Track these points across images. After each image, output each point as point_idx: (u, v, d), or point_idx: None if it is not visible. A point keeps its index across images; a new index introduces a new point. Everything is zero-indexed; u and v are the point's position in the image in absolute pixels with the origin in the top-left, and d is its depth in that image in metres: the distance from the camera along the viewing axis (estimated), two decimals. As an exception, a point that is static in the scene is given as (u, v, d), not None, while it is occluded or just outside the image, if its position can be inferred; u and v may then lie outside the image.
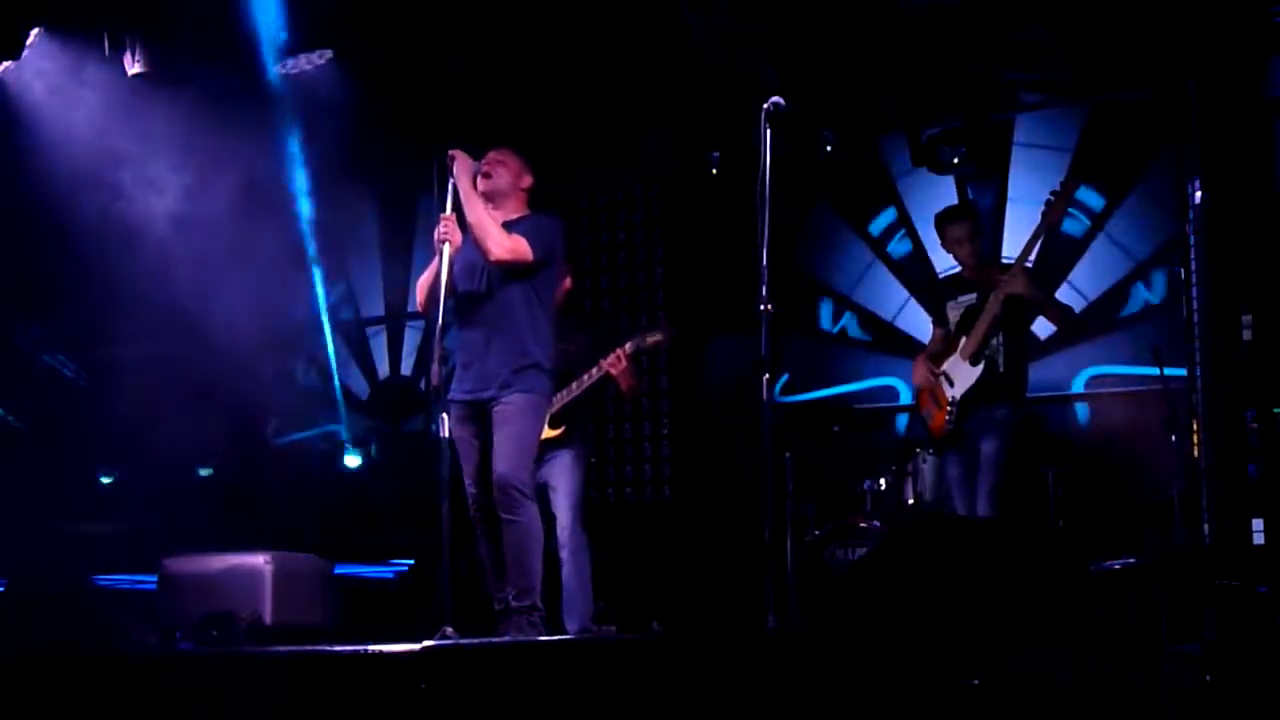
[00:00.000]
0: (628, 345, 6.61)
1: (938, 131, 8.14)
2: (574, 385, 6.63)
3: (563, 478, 6.61)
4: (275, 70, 8.05)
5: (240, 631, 6.42)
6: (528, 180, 5.78)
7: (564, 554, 6.52)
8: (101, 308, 9.28)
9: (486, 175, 5.66)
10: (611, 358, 6.58)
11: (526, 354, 5.53)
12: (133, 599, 7.42)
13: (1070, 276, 8.23)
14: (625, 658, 4.47)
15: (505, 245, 5.49)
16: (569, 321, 6.82)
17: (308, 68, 8.10)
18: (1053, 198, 6.52)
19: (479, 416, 5.54)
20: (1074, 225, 8.22)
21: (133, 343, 9.39)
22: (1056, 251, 8.19)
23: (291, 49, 7.95)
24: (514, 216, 5.70)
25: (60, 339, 9.87)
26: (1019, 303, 6.50)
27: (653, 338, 6.66)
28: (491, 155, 5.71)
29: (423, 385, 9.55)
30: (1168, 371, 6.72)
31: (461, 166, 5.56)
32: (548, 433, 6.58)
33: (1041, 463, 6.89)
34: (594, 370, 6.62)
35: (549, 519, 6.60)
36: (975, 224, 6.85)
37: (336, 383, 9.80)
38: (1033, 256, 6.62)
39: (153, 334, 9.04)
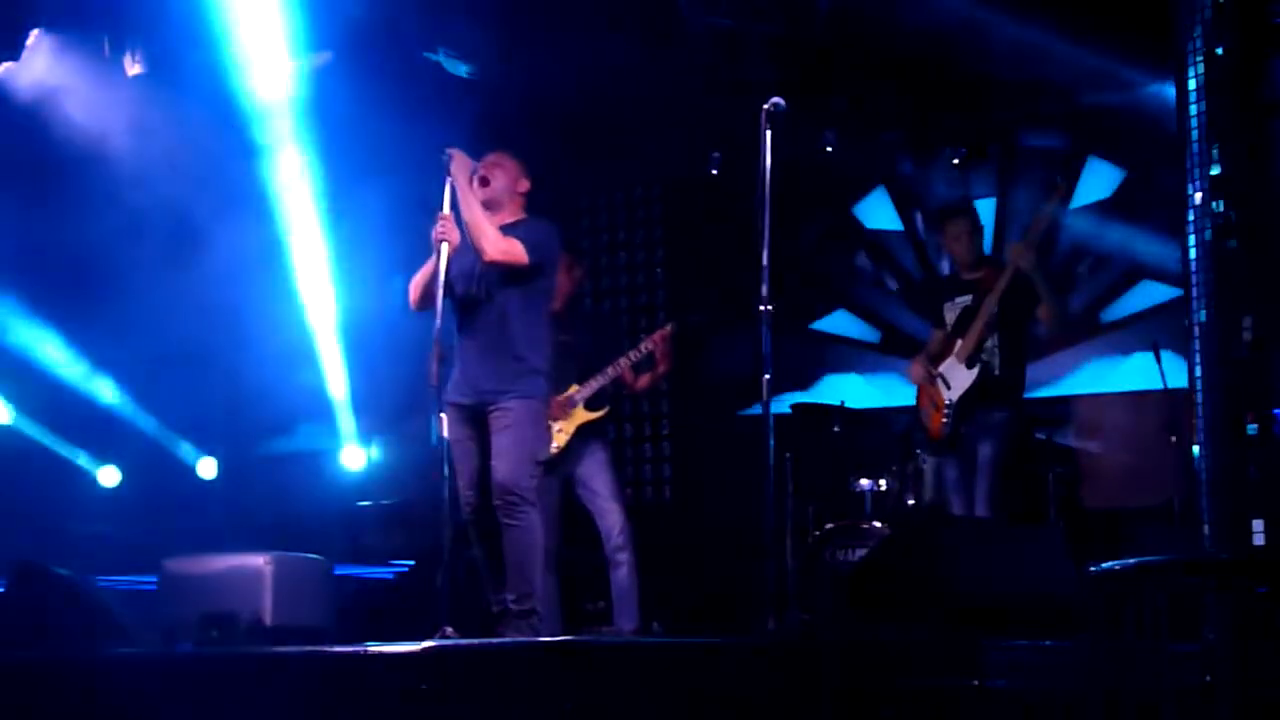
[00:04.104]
0: (669, 326, 6.68)
1: (939, 133, 8.14)
2: (610, 370, 6.65)
3: (602, 478, 6.63)
4: (277, 70, 8.05)
5: (240, 631, 6.42)
6: (525, 184, 5.77)
7: (619, 556, 6.53)
8: (103, 308, 9.28)
9: (484, 181, 5.65)
10: (657, 335, 6.64)
11: (523, 358, 5.52)
12: (132, 599, 7.41)
13: (1070, 276, 8.23)
14: (625, 658, 4.47)
15: (500, 246, 5.49)
16: (574, 315, 6.84)
17: (307, 68, 8.10)
18: (1045, 199, 6.53)
19: (476, 420, 5.53)
20: (1074, 224, 8.22)
21: (134, 343, 9.39)
22: (1057, 251, 8.20)
23: (292, 49, 7.95)
24: (510, 220, 5.70)
25: (62, 339, 9.85)
26: (1014, 304, 6.48)
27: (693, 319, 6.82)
28: (488, 159, 5.71)
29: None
30: (1167, 371, 6.72)
31: (459, 165, 5.56)
32: (587, 416, 6.64)
33: (1040, 464, 6.89)
34: (637, 350, 6.66)
35: (585, 516, 6.62)
36: (975, 221, 6.84)
37: (336, 383, 9.79)
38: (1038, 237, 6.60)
39: (154, 334, 9.03)
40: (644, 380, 6.80)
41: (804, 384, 8.81)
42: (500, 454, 5.43)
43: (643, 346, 6.70)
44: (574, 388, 6.65)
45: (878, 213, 8.88)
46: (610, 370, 6.68)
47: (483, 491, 5.48)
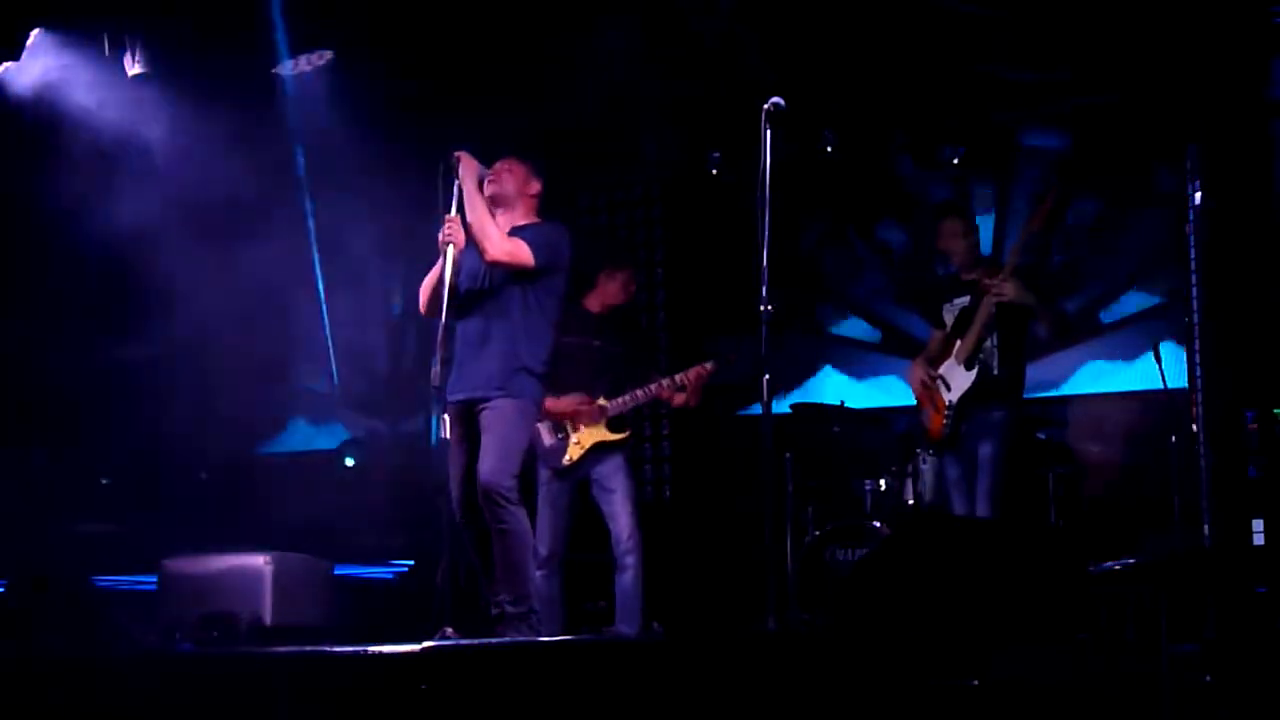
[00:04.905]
0: (709, 364, 6.62)
1: (938, 131, 8.14)
2: (640, 393, 6.61)
3: (618, 481, 6.61)
4: (276, 70, 8.05)
5: (240, 631, 6.42)
6: (535, 186, 5.77)
7: (627, 560, 6.52)
8: (104, 308, 9.28)
9: (493, 180, 5.67)
10: (693, 372, 6.59)
11: (518, 357, 5.52)
12: (133, 599, 7.41)
13: (1069, 278, 8.23)
14: (625, 658, 4.48)
15: (503, 247, 5.49)
16: (612, 322, 6.82)
17: (308, 69, 8.10)
18: (1040, 201, 6.52)
19: (469, 418, 5.53)
20: (1072, 227, 8.22)
21: (134, 343, 9.39)
22: (1055, 253, 8.19)
23: (292, 49, 7.95)
24: (521, 223, 5.70)
25: (63, 340, 9.86)
26: (1012, 306, 6.48)
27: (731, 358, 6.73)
28: (498, 164, 5.73)
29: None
30: (1166, 372, 6.72)
31: (466, 167, 5.56)
32: (609, 436, 6.61)
33: (1040, 464, 6.89)
34: (671, 380, 6.61)
35: (594, 517, 6.61)
36: (969, 221, 6.82)
37: (336, 382, 9.79)
38: (1021, 259, 6.60)
39: (154, 335, 9.04)
40: (679, 399, 6.74)
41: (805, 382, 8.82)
42: (485, 453, 5.43)
43: (678, 378, 6.64)
44: (602, 400, 6.63)
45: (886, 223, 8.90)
46: (641, 393, 6.64)
47: (472, 489, 5.48)
